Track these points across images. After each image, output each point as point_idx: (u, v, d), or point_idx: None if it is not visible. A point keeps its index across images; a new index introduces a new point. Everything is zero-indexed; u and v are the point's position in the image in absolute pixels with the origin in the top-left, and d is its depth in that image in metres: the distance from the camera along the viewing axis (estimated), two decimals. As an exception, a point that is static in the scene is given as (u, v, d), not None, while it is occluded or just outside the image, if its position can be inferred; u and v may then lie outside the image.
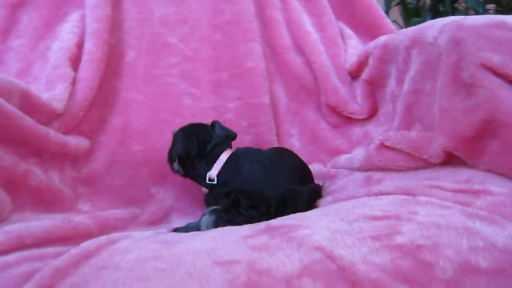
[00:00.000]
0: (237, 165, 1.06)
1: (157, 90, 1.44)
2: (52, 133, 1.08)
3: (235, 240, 0.68)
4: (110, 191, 1.21)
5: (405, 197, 0.84)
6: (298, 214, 0.86)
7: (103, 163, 1.26)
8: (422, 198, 0.80)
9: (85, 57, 1.33)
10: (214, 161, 1.08)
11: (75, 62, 1.32)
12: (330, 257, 0.62)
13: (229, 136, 1.16)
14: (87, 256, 0.68)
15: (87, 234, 0.92)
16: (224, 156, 1.08)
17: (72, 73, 1.29)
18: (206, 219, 0.94)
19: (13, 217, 0.92)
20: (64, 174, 1.15)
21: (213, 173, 1.06)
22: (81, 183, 1.18)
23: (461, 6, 2.48)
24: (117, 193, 1.21)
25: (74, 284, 0.61)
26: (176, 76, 1.46)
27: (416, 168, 1.04)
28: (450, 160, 0.97)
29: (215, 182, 1.06)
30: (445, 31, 0.95)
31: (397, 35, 1.23)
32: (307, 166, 1.21)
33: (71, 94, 1.26)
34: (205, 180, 1.07)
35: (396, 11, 2.64)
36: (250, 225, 0.79)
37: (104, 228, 0.98)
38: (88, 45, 1.34)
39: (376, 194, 0.93)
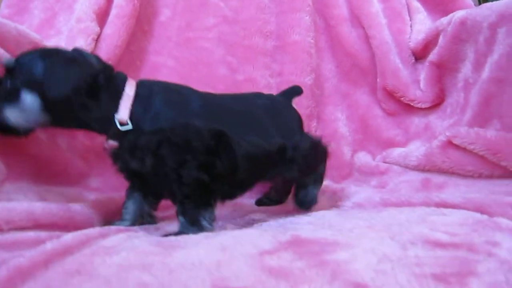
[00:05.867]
0: (151, 101, 0.75)
1: (191, 56, 1.28)
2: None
3: (248, 255, 0.52)
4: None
5: (478, 216, 0.65)
6: (334, 218, 0.70)
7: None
8: (504, 222, 0.61)
9: (113, 12, 1.18)
10: (118, 98, 0.74)
11: (102, 16, 1.18)
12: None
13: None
14: (63, 253, 0.54)
15: (87, 224, 0.78)
16: (129, 90, 0.75)
17: (97, 29, 1.14)
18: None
19: (5, 188, 0.79)
20: (75, 141, 1.02)
21: (123, 114, 0.72)
22: (94, 154, 1.05)
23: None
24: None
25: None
26: (213, 40, 1.30)
27: (490, 177, 0.86)
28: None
29: (129, 127, 0.73)
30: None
31: (480, 9, 1.01)
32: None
33: (94, 52, 1.12)
34: (111, 127, 0.73)
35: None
36: (272, 231, 0.62)
37: (108, 217, 0.84)
38: (118, -1, 1.19)
39: (437, 205, 0.75)
